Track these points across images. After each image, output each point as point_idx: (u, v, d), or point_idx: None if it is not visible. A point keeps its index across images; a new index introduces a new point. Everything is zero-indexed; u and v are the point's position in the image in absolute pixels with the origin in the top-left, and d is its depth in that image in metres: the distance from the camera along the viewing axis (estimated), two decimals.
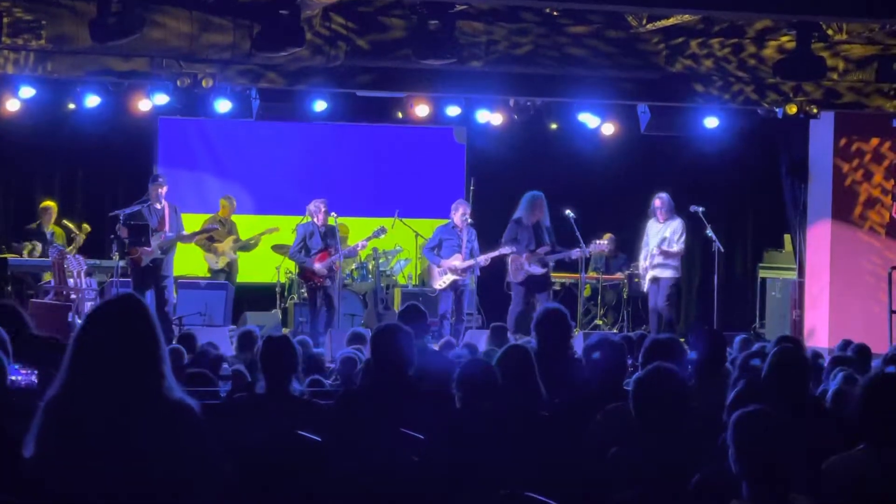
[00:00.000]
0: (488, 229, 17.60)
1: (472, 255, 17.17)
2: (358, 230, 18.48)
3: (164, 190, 16.56)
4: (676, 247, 17.44)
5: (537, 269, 17.26)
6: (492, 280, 17.83)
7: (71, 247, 17.69)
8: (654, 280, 17.54)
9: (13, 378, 7.71)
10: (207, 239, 18.30)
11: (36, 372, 9.89)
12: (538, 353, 8.04)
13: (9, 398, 6.31)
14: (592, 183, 19.90)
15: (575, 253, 17.48)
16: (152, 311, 4.55)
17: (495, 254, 17.16)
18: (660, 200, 17.55)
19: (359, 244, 17.38)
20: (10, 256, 17.80)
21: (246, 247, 18.94)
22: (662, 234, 17.53)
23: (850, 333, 14.54)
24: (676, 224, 17.53)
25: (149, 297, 16.38)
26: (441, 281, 17.26)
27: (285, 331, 17.96)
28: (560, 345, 8.71)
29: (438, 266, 17.23)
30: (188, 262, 18.71)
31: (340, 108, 17.65)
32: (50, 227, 18.10)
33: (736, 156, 19.78)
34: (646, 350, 8.04)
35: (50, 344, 7.51)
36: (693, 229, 19.14)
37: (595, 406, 7.20)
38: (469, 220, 17.31)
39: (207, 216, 18.52)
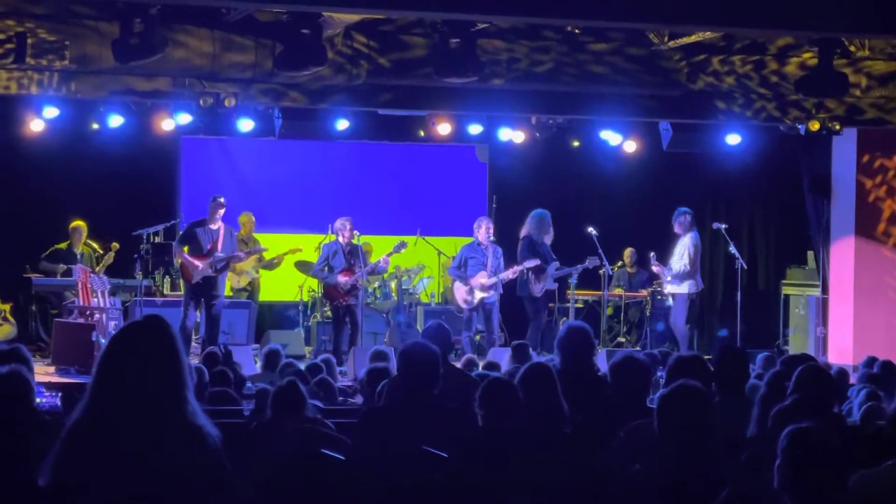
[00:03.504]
0: (511, 247, 17.61)
1: (497, 273, 17.19)
2: (381, 248, 18.49)
3: (222, 211, 16.65)
4: (677, 265, 17.47)
5: (553, 285, 17.53)
6: (515, 297, 17.83)
7: (99, 266, 17.76)
8: (672, 297, 17.67)
9: (39, 400, 7.75)
10: None
11: (59, 394, 9.95)
12: (561, 371, 8.03)
13: (37, 419, 6.34)
14: (615, 200, 19.88)
15: (579, 267, 17.76)
16: (176, 333, 4.52)
17: (520, 268, 17.18)
18: (675, 217, 17.61)
19: (382, 260, 17.36)
20: (34, 276, 17.87)
21: (269, 266, 18.97)
22: (674, 250, 17.62)
23: (875, 350, 14.50)
24: (685, 240, 17.55)
25: (192, 316, 16.44)
26: (466, 300, 17.26)
27: (307, 350, 18.01)
28: (583, 362, 8.70)
29: (465, 285, 17.23)
30: None
31: (363, 127, 17.66)
32: (80, 248, 18.18)
33: (758, 172, 19.75)
34: (670, 368, 8.02)
35: None
36: (716, 246, 19.14)
37: (618, 423, 7.18)
38: (491, 238, 17.32)
39: None
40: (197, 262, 16.38)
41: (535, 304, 17.51)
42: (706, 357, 8.82)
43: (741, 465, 6.25)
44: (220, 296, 16.61)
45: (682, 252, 17.49)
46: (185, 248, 16.57)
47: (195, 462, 4.35)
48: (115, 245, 18.15)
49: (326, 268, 17.07)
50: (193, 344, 16.81)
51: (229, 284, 18.60)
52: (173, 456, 4.33)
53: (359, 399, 10.90)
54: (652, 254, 17.92)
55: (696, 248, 17.58)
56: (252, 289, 18.70)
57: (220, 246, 16.54)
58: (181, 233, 16.79)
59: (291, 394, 7.86)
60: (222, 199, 16.74)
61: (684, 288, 17.51)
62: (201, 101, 15.01)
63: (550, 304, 18.40)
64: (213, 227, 16.64)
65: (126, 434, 4.30)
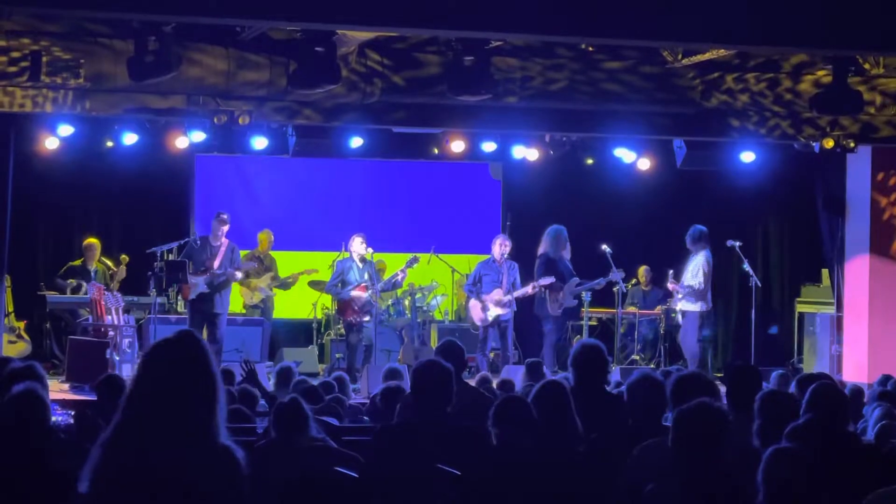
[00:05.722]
0: (525, 264, 17.61)
1: (513, 289, 17.19)
2: (394, 266, 18.50)
3: (225, 228, 16.68)
4: (691, 282, 17.45)
5: (572, 302, 17.50)
6: (528, 315, 17.82)
7: (113, 282, 17.77)
8: (683, 314, 17.65)
9: (54, 419, 7.77)
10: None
11: (73, 413, 9.96)
12: (575, 389, 8.01)
13: (53, 436, 6.36)
14: (628, 218, 19.87)
15: (602, 281, 17.83)
16: (210, 349, 4.45)
17: (538, 284, 17.16)
18: (689, 235, 17.59)
19: (398, 274, 17.36)
20: (48, 294, 17.90)
21: (284, 285, 18.97)
22: (687, 267, 17.59)
23: (890, 368, 14.47)
24: (698, 258, 17.52)
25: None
26: (482, 317, 17.26)
27: (321, 367, 18.01)
28: (597, 380, 8.69)
29: (480, 302, 17.23)
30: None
31: (376, 145, 17.68)
32: (94, 265, 18.21)
33: (772, 190, 19.75)
34: (672, 387, 7.90)
35: None
36: (730, 264, 19.10)
37: (632, 442, 7.17)
38: (506, 255, 17.34)
39: (245, 252, 18.55)
40: (193, 279, 16.39)
41: (551, 323, 17.49)
42: (719, 375, 8.78)
43: (756, 483, 6.21)
44: (220, 314, 16.49)
45: (697, 269, 17.47)
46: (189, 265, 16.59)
47: (219, 482, 4.33)
48: (125, 257, 18.12)
49: (340, 284, 17.08)
50: None
51: (243, 301, 18.62)
52: (199, 475, 4.31)
53: (367, 417, 10.89)
54: (670, 271, 17.88)
55: (710, 265, 17.56)
56: (265, 306, 18.69)
57: (217, 263, 16.52)
58: (184, 249, 16.83)
59: (294, 412, 7.75)
60: (225, 216, 16.77)
61: (696, 306, 17.48)
62: (215, 119, 15.03)
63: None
64: (216, 243, 16.65)
65: (153, 452, 4.28)
